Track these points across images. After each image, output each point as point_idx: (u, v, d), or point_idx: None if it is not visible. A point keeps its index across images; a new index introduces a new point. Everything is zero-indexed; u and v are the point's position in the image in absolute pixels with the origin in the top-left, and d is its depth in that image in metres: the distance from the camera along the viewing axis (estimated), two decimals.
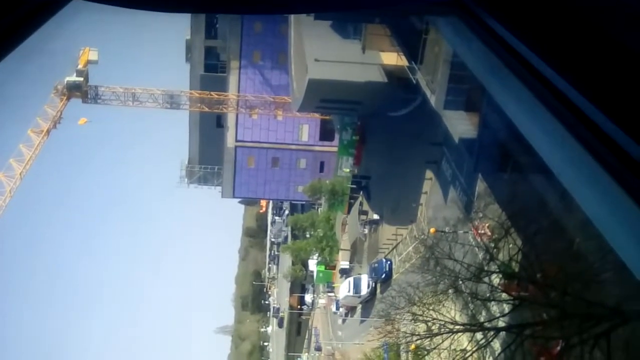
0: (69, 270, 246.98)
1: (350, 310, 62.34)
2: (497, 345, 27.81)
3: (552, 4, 2.75)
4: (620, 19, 2.36)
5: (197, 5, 2.37)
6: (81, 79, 63.66)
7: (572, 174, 2.52)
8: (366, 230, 58.40)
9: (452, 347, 29.78)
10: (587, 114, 2.24)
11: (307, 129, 72.72)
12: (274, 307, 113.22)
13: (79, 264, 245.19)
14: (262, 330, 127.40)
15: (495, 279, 27.48)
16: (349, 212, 65.07)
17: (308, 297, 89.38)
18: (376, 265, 53.16)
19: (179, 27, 73.70)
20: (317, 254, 73.42)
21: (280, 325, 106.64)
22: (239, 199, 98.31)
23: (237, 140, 72.97)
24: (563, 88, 2.42)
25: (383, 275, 51.40)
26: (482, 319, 28.83)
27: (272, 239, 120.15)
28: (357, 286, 56.35)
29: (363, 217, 59.07)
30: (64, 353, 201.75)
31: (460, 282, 29.14)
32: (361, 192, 61.26)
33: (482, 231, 30.70)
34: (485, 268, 28.11)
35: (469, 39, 3.47)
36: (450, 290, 30.54)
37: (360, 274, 58.58)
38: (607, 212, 2.24)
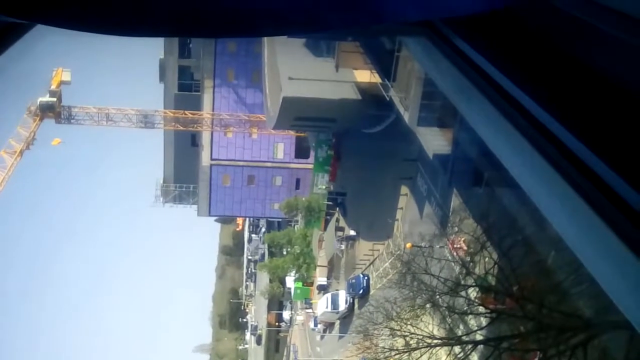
0: (41, 292, 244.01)
1: (329, 326, 62.20)
2: (475, 358, 27.88)
3: (520, 26, 2.80)
4: (589, 40, 2.41)
5: (166, 30, 2.39)
6: (54, 99, 63.30)
7: (541, 191, 2.53)
8: (343, 247, 58.36)
9: None
10: (554, 132, 2.26)
11: (282, 147, 72.74)
12: (251, 325, 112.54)
13: (53, 285, 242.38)
14: (241, 347, 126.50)
15: (472, 293, 27.58)
16: (325, 229, 65.03)
17: (286, 314, 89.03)
18: (354, 281, 53.13)
19: (152, 47, 73.58)
20: (294, 271, 73.21)
21: (258, 342, 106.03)
22: (215, 218, 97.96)
23: (212, 159, 72.78)
24: (530, 107, 2.45)
25: (360, 291, 51.37)
26: (459, 333, 28.87)
27: (249, 257, 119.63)
28: (334, 302, 56.31)
29: (339, 233, 59.06)
30: None
31: (438, 296, 29.20)
32: (337, 209, 61.29)
33: (458, 245, 30.82)
34: (462, 282, 28.21)
35: (438, 59, 3.48)
36: (427, 305, 30.60)
37: (337, 290, 58.51)
38: (576, 229, 2.25)
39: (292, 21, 2.22)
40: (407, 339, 31.12)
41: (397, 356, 32.58)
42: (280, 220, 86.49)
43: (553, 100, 2.39)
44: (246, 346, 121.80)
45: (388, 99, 37.60)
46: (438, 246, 32.90)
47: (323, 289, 64.50)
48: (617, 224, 1.93)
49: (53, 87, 63.40)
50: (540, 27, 2.76)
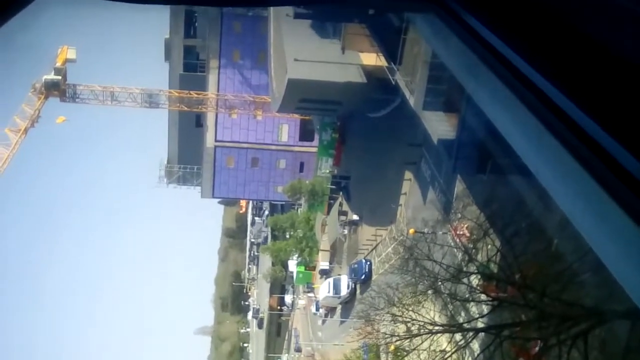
0: (45, 271, 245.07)
1: (330, 311, 62.46)
2: (476, 345, 27.93)
3: (530, 2, 2.73)
4: (600, 18, 2.35)
5: None
6: (59, 77, 63.21)
7: (550, 171, 2.50)
8: (346, 231, 58.54)
9: (432, 347, 29.88)
10: (566, 110, 2.22)
11: (286, 129, 72.70)
12: (253, 308, 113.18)
13: (56, 264, 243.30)
14: (242, 331, 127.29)
15: (474, 280, 27.58)
16: (328, 213, 65.18)
17: (288, 298, 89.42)
18: (356, 266, 53.26)
19: (157, 26, 73.51)
20: (297, 255, 73.42)
21: (260, 326, 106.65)
22: (219, 199, 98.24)
23: (216, 140, 72.79)
24: (541, 85, 2.40)
25: (363, 276, 51.52)
26: (461, 320, 28.94)
27: (252, 240, 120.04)
28: (336, 287, 56.50)
29: (343, 217, 59.24)
30: (38, 353, 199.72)
31: (440, 283, 29.22)
32: (341, 193, 61.42)
33: (461, 232, 30.80)
34: (464, 269, 28.22)
35: (447, 36, 3.44)
36: (429, 291, 30.64)
37: (340, 274, 58.73)
38: (585, 210, 2.23)
39: None
40: (409, 325, 31.19)
41: (398, 342, 32.67)
42: (283, 203, 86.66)
43: (564, 77, 2.35)
44: (248, 329, 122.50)
45: (394, 82, 37.52)
46: (441, 232, 32.90)
47: (325, 273, 64.74)
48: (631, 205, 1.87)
49: (58, 64, 63.31)
50: (551, 2, 2.68)
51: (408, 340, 31.42)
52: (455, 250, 30.66)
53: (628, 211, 1.87)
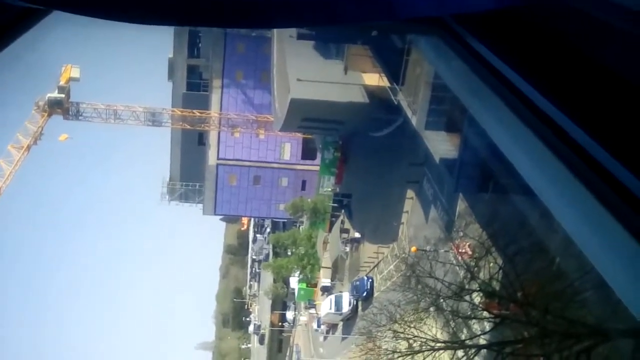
0: (46, 287, 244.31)
1: (332, 327, 62.15)
2: None
3: (534, 25, 2.79)
4: (605, 39, 2.40)
5: (178, 19, 2.38)
6: (63, 95, 63.36)
7: (552, 191, 2.52)
8: (347, 249, 58.35)
9: None
10: (569, 132, 2.26)
11: (289, 148, 72.81)
12: (255, 324, 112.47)
13: (58, 279, 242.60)
14: (243, 347, 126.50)
15: (476, 298, 27.52)
16: (330, 231, 65.00)
17: (289, 315, 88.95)
18: (357, 283, 53.07)
19: (161, 46, 73.76)
20: (298, 272, 73.18)
21: (261, 342, 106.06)
22: (221, 217, 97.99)
23: (218, 158, 72.90)
24: (543, 106, 2.45)
25: (364, 293, 51.31)
26: (463, 337, 28.83)
27: (254, 257, 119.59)
28: (338, 304, 56.27)
29: (344, 235, 59.03)
30: None
31: (442, 300, 29.15)
32: (342, 211, 61.26)
33: (463, 250, 30.75)
34: (466, 286, 28.15)
35: (450, 58, 3.48)
36: (431, 308, 30.54)
37: (341, 291, 58.46)
38: (587, 228, 2.25)
39: (306, 12, 2.22)
40: (410, 341, 31.08)
41: (400, 358, 32.53)
42: (285, 220, 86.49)
43: (566, 99, 2.39)
44: (249, 345, 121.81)
45: (396, 102, 37.65)
46: (443, 250, 32.83)
47: (327, 290, 64.50)
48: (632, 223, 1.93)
49: (62, 83, 63.44)
50: (555, 26, 2.75)
51: (410, 356, 31.27)
52: (457, 268, 30.59)
53: (630, 229, 1.92)
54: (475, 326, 28.18)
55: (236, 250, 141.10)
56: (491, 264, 26.44)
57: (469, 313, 27.71)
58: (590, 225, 2.22)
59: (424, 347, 29.75)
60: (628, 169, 1.98)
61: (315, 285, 70.35)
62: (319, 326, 65.52)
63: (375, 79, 43.17)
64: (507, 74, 2.79)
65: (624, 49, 2.29)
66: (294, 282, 77.13)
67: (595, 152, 2.11)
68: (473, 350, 27.40)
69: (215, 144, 72.35)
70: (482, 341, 27.18)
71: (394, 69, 37.18)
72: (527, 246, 24.03)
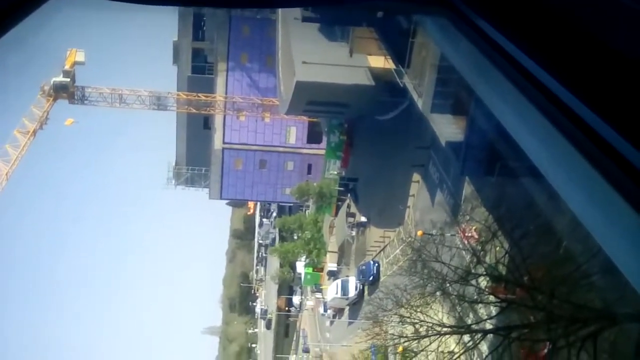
0: (54, 271, 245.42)
1: (338, 312, 62.36)
2: (484, 347, 27.88)
3: (541, 4, 2.74)
4: (613, 18, 2.37)
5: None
6: (68, 79, 63.46)
7: (560, 172, 2.52)
8: (354, 233, 58.47)
9: (440, 349, 29.83)
10: (577, 111, 2.24)
11: (294, 132, 72.78)
12: (261, 309, 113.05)
13: (65, 264, 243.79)
14: (250, 331, 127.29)
15: (483, 282, 27.54)
16: (336, 215, 65.15)
17: (296, 299, 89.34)
18: (364, 267, 53.19)
19: (166, 29, 73.65)
20: (304, 256, 73.38)
21: (268, 326, 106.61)
22: (227, 201, 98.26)
23: (224, 142, 72.94)
24: (551, 86, 2.42)
25: (371, 278, 51.43)
26: (469, 321, 28.89)
27: (260, 241, 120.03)
28: (344, 288, 56.45)
29: (350, 219, 59.16)
30: (46, 351, 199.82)
31: (448, 284, 29.18)
32: (349, 195, 61.36)
33: (469, 234, 30.75)
34: (472, 270, 28.17)
35: (457, 39, 3.46)
36: (437, 293, 30.61)
37: (348, 276, 58.63)
38: (595, 209, 2.25)
39: None
40: (417, 326, 31.16)
41: (406, 343, 32.64)
42: (291, 205, 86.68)
43: (574, 78, 2.36)
44: (256, 330, 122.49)
45: (402, 85, 37.55)
46: (449, 234, 32.86)
47: (333, 274, 64.68)
48: None
49: (67, 67, 63.52)
50: (562, 5, 2.71)
51: (416, 341, 31.40)
52: (464, 252, 30.61)
53: (639, 210, 1.89)
54: (482, 310, 28.24)
55: (242, 235, 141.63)
56: (497, 248, 26.45)
57: (475, 297, 27.76)
58: (598, 206, 2.23)
59: (430, 331, 29.84)
60: (637, 149, 1.95)
61: (321, 270, 70.57)
62: (325, 311, 65.77)
63: (380, 61, 43.06)
64: (514, 53, 2.77)
65: (633, 28, 2.28)
66: (300, 266, 77.43)
67: (604, 131, 2.10)
68: (479, 335, 27.48)
69: (220, 127, 72.36)
70: (488, 326, 27.24)
71: (400, 51, 37.05)
72: (533, 229, 24.02)
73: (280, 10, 43.30)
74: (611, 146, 2.05)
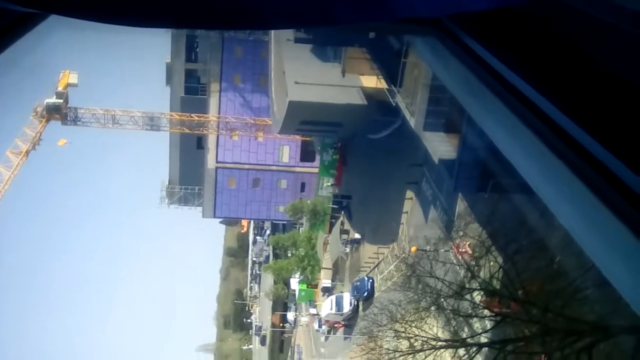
0: (46, 292, 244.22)
1: (333, 327, 62.24)
2: None
3: (531, 24, 2.79)
4: (602, 38, 2.41)
5: (177, 21, 2.40)
6: (61, 101, 63.29)
7: (552, 189, 2.52)
8: (347, 249, 58.46)
9: None
10: (568, 130, 2.27)
11: (287, 150, 72.78)
12: (256, 325, 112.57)
13: (59, 285, 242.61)
14: (245, 348, 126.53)
15: (477, 296, 27.56)
16: (330, 232, 65.01)
17: (290, 315, 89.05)
18: (358, 283, 53.20)
19: (159, 50, 73.77)
20: (299, 273, 73.23)
21: (262, 343, 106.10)
22: (220, 219, 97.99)
23: (217, 162, 72.84)
24: (542, 105, 2.45)
25: (365, 293, 51.43)
26: (464, 336, 28.88)
27: (254, 259, 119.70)
28: (339, 304, 56.38)
29: (344, 236, 59.12)
30: None
31: (442, 299, 29.19)
32: (342, 212, 61.36)
33: (463, 249, 30.80)
34: (467, 285, 28.20)
35: (447, 59, 3.46)
36: (432, 308, 30.60)
37: (342, 292, 58.54)
38: (586, 225, 2.27)
39: (303, 13, 2.24)
40: (412, 341, 31.11)
41: (401, 358, 32.55)
42: (285, 222, 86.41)
43: (564, 97, 2.39)
44: (250, 346, 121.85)
45: (394, 104, 37.71)
46: (443, 250, 32.87)
47: (327, 291, 64.59)
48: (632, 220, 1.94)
49: (60, 88, 63.40)
50: (552, 25, 2.75)
51: (411, 355, 31.30)
52: (458, 267, 30.65)
53: (629, 225, 1.93)
54: (477, 325, 28.23)
55: (236, 253, 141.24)
56: (491, 263, 26.51)
57: (470, 312, 27.76)
58: (589, 222, 2.23)
59: (425, 346, 29.79)
60: (627, 166, 1.98)
61: (315, 286, 70.37)
62: (320, 326, 65.61)
63: (373, 81, 43.22)
64: (504, 73, 2.79)
65: (622, 48, 2.30)
66: (294, 283, 77.25)
67: (594, 149, 2.12)
68: (474, 349, 27.46)
69: (213, 147, 72.32)
70: (483, 339, 27.23)
71: (392, 71, 37.25)
72: (527, 244, 24.10)
73: (272, 32, 43.44)
74: (600, 162, 2.09)
